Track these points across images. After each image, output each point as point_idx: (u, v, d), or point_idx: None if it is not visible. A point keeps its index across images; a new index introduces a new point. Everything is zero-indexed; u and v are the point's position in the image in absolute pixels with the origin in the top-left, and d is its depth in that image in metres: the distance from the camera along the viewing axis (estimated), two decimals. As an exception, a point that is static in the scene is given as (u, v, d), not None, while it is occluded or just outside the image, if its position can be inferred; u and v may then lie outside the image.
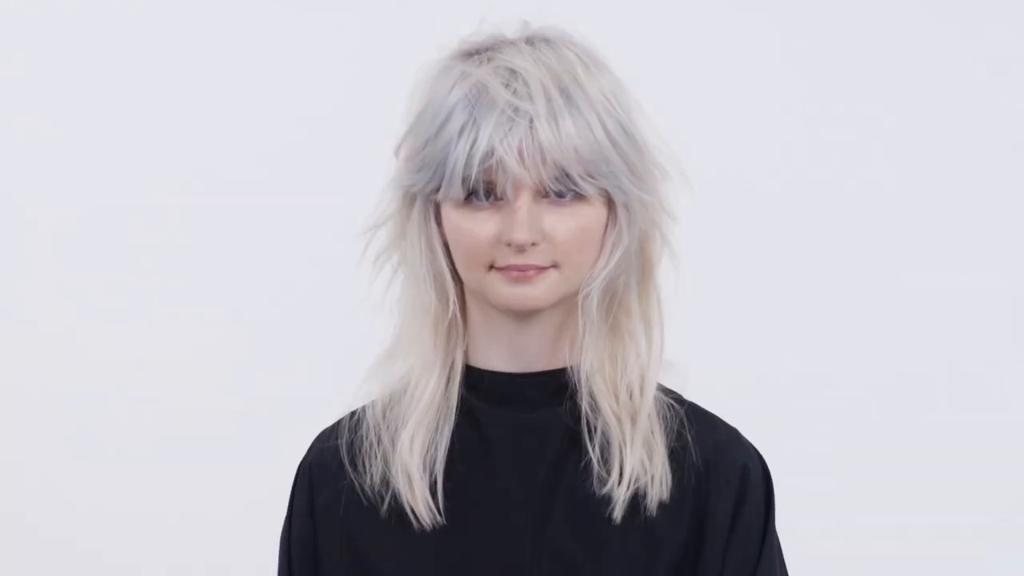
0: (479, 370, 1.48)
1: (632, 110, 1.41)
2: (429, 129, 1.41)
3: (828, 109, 2.86)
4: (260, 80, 2.81)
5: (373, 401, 1.51)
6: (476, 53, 1.42)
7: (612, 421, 1.41)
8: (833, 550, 2.82)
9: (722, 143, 2.77)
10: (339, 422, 1.54)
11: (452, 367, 1.48)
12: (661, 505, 1.39)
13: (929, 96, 2.86)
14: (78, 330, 2.79)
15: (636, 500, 1.39)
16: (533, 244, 1.38)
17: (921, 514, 2.83)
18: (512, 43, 1.42)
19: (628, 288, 1.43)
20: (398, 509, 1.46)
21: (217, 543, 2.81)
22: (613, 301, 1.43)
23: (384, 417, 1.49)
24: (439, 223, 1.45)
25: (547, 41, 1.42)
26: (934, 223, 2.86)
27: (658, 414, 1.43)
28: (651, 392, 1.42)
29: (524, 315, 1.43)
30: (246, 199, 2.81)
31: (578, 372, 1.43)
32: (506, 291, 1.40)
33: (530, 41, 1.42)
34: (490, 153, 1.36)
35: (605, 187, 1.38)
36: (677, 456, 1.42)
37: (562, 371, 1.45)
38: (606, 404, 1.41)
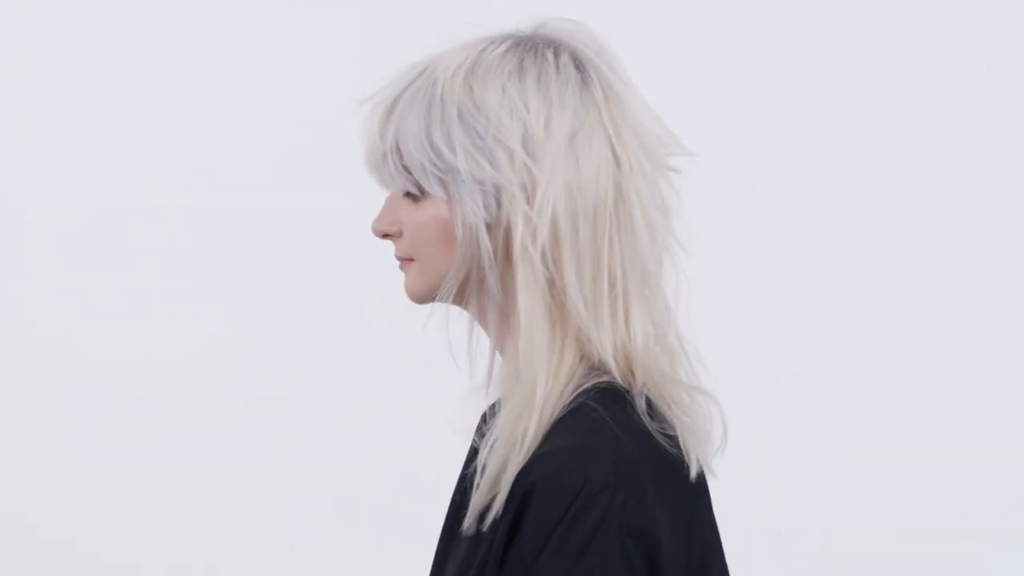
0: None
1: (500, 121, 1.33)
2: None
3: (828, 109, 2.86)
4: (260, 80, 2.81)
5: None
6: None
7: (504, 428, 1.34)
8: (833, 550, 2.82)
9: (722, 143, 2.76)
10: None
11: None
12: (495, 518, 1.31)
13: (929, 96, 2.86)
14: (78, 330, 2.79)
15: (484, 512, 1.32)
16: (386, 236, 1.39)
17: (921, 514, 2.83)
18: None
19: (502, 289, 1.35)
20: None
21: (217, 543, 2.81)
22: (494, 302, 1.36)
23: None
24: None
25: (483, 40, 1.37)
26: (934, 223, 2.86)
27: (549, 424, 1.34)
28: (515, 402, 1.33)
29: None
30: (246, 199, 2.81)
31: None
32: None
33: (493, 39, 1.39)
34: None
35: (418, 183, 1.34)
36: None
37: None
38: (503, 411, 1.35)
